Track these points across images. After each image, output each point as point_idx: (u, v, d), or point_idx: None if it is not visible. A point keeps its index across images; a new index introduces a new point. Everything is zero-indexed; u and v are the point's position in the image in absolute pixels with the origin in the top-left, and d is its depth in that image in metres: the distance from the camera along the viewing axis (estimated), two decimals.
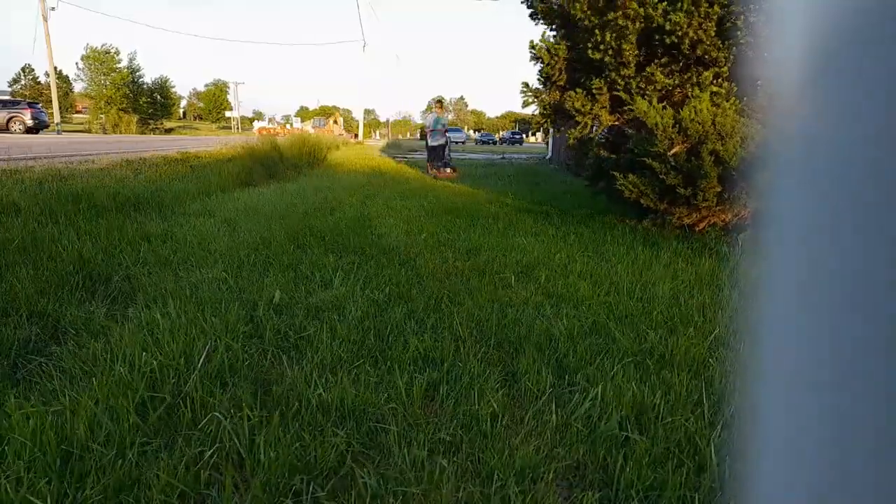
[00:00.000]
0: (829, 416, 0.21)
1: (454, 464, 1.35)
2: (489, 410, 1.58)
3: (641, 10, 4.63)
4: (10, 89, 54.93)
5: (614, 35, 4.86)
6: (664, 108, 4.59)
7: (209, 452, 1.33)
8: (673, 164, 4.45)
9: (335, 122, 47.77)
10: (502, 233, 4.93)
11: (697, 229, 4.80)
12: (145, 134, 36.58)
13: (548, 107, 5.94)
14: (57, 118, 27.46)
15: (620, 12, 4.72)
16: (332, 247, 3.49)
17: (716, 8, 4.56)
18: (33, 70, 59.80)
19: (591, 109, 5.30)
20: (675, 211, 4.72)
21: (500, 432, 1.50)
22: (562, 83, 5.75)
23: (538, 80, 6.13)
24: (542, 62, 5.79)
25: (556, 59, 5.62)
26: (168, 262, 2.95)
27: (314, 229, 3.91)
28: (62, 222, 3.47)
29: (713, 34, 4.69)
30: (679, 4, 4.54)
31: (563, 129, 6.57)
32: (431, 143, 10.73)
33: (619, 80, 5.09)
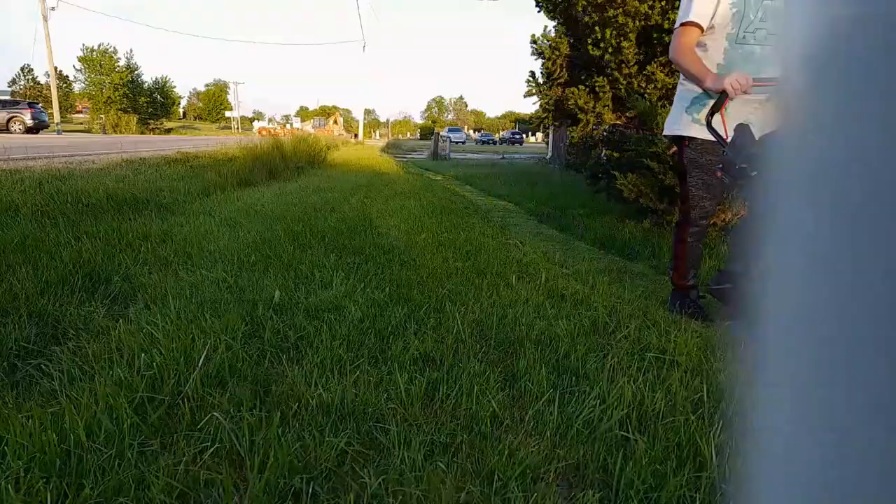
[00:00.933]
0: (830, 416, 0.21)
1: (454, 464, 1.35)
2: (489, 410, 1.58)
3: (643, 6, 4.64)
4: (9, 90, 54.94)
5: (615, 32, 4.86)
6: (663, 106, 4.59)
7: (209, 452, 1.33)
8: (671, 163, 4.45)
9: (335, 122, 47.80)
10: (502, 233, 4.93)
11: None
12: (145, 134, 36.58)
13: (550, 103, 5.94)
14: (57, 118, 27.47)
15: (621, 9, 4.72)
16: (332, 247, 3.49)
17: None
18: (32, 70, 59.83)
19: (594, 107, 5.30)
20: (675, 210, 4.72)
21: (501, 432, 1.50)
22: (563, 80, 5.75)
23: (540, 75, 6.14)
24: (544, 57, 5.79)
25: (557, 54, 5.62)
26: (168, 262, 2.95)
27: (314, 229, 3.91)
28: (62, 222, 3.46)
29: None
30: (677, 3, 4.54)
31: (563, 126, 6.57)
32: None
33: (621, 79, 5.09)
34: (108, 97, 40.33)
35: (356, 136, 40.86)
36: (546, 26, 6.03)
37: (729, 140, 2.06)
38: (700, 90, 2.32)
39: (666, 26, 4.69)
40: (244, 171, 7.55)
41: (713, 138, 2.20)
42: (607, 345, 2.13)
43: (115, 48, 42.26)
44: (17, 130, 22.46)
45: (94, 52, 41.23)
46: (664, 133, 2.66)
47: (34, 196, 3.90)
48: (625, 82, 5.07)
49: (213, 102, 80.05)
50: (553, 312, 2.47)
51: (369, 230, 4.10)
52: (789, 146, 0.22)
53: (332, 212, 4.85)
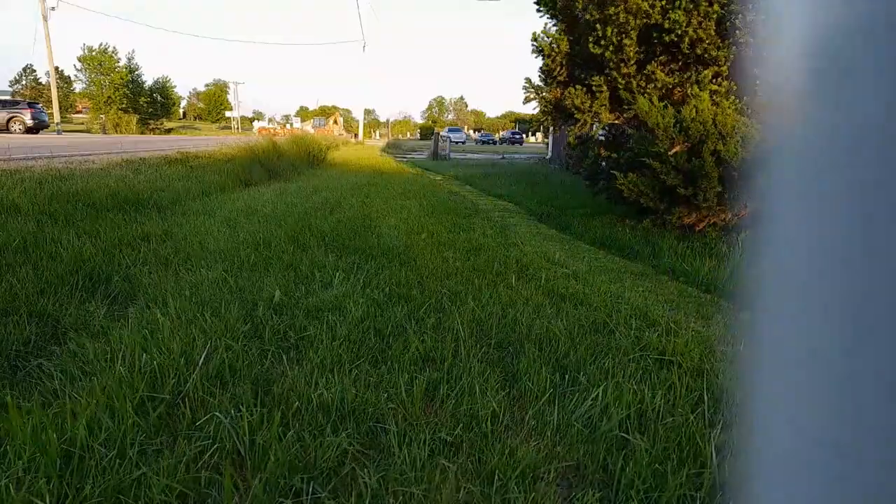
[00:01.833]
0: (830, 415, 0.21)
1: (455, 464, 1.35)
2: (489, 410, 1.58)
3: (644, 4, 4.63)
4: (10, 89, 54.95)
5: (615, 30, 4.86)
6: (665, 107, 4.59)
7: (209, 452, 1.33)
8: (673, 163, 4.45)
9: (335, 122, 47.82)
10: (502, 233, 4.93)
11: (697, 229, 4.81)
12: (145, 134, 36.60)
13: (548, 104, 5.94)
14: (57, 118, 27.47)
15: (622, 7, 4.71)
16: (332, 246, 3.49)
17: (715, 7, 4.56)
18: (34, 70, 59.86)
19: (591, 107, 5.30)
20: (674, 211, 4.72)
21: (501, 432, 1.50)
22: (562, 79, 5.75)
23: (539, 76, 6.14)
24: (544, 55, 5.79)
25: (556, 51, 5.62)
26: (168, 262, 2.95)
27: (314, 229, 3.91)
28: (62, 222, 3.47)
29: (713, 32, 4.69)
30: (678, 2, 4.54)
31: (563, 127, 6.57)
32: None
33: (620, 79, 5.09)
34: (109, 97, 40.34)
35: (356, 136, 40.88)
36: (546, 23, 6.03)
37: None
38: None
39: (666, 26, 4.69)
40: (244, 171, 7.55)
41: None
42: (607, 345, 2.13)
43: (115, 48, 42.31)
44: (17, 130, 22.47)
45: (95, 52, 41.24)
46: None
47: (34, 196, 3.90)
48: (623, 81, 5.07)
49: (213, 102, 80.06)
50: (553, 312, 2.47)
51: (369, 230, 4.10)
52: (789, 146, 0.22)
53: (332, 212, 4.85)
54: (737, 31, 4.51)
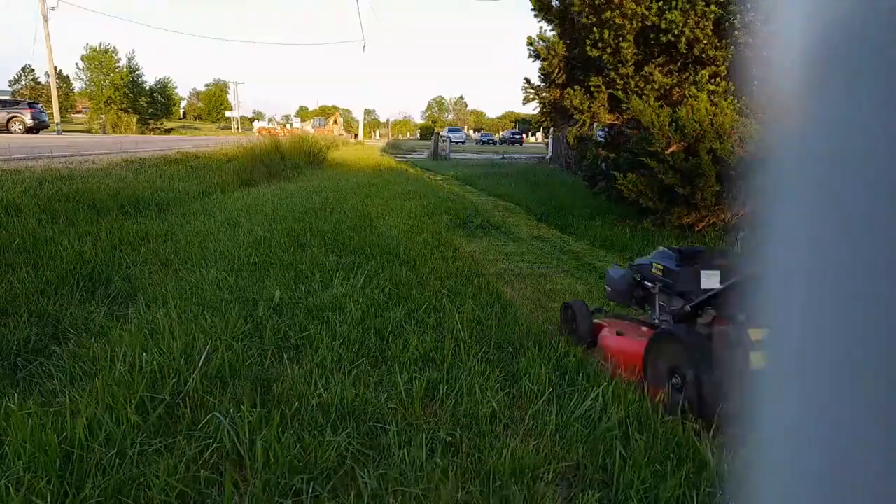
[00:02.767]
0: (829, 415, 0.21)
1: (454, 464, 1.35)
2: (489, 410, 1.58)
3: (639, 8, 4.63)
4: (10, 89, 54.92)
5: (612, 33, 4.86)
6: (661, 106, 4.59)
7: (209, 452, 1.33)
8: (671, 163, 4.45)
9: (335, 122, 47.79)
10: (503, 233, 4.93)
11: (696, 229, 4.81)
12: (145, 134, 36.58)
13: (548, 105, 5.94)
14: (57, 118, 27.45)
15: (618, 11, 4.72)
16: (332, 246, 3.49)
17: (712, 7, 4.56)
18: (33, 70, 59.82)
19: (590, 107, 5.30)
20: (674, 210, 4.72)
21: (500, 432, 1.50)
22: (561, 81, 5.76)
23: (539, 76, 6.14)
24: (541, 59, 5.79)
25: (554, 55, 5.62)
26: (168, 262, 2.96)
27: (314, 229, 3.91)
28: (62, 222, 3.47)
29: (710, 33, 4.69)
30: (674, 3, 4.54)
31: (562, 127, 6.57)
32: None
33: (618, 80, 5.09)
34: (109, 97, 40.29)
35: (356, 136, 40.85)
36: (542, 27, 6.03)
37: None
38: None
39: (663, 26, 4.69)
40: (244, 171, 7.55)
41: None
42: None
43: (115, 48, 42.25)
44: (17, 130, 22.44)
45: (96, 52, 41.19)
46: None
47: (35, 196, 3.90)
48: (622, 83, 5.07)
49: (214, 102, 79.97)
50: (553, 312, 2.47)
51: (369, 230, 4.10)
52: (787, 146, 0.22)
53: (332, 212, 4.85)
54: (735, 32, 4.51)
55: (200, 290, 2.47)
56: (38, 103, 25.95)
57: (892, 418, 0.19)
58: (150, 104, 43.59)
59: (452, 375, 1.79)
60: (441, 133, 22.63)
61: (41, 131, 23.54)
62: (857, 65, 0.19)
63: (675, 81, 5.00)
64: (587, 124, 5.56)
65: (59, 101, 28.62)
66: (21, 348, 1.87)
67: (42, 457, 1.25)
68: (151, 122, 42.87)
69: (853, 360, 0.20)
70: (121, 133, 34.07)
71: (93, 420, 1.39)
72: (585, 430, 1.52)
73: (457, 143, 37.87)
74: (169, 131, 43.59)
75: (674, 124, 4.46)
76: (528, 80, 6.21)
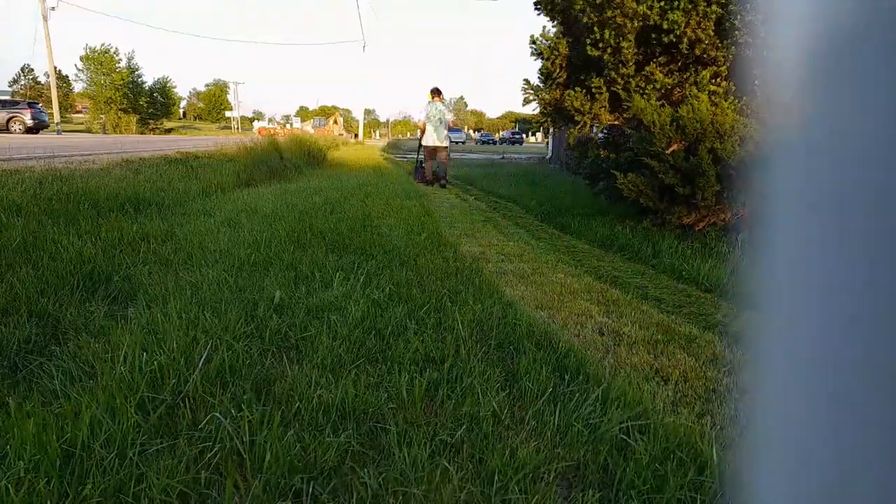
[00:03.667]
0: (831, 415, 0.21)
1: (455, 464, 1.35)
2: (490, 410, 1.58)
3: (640, 7, 4.63)
4: (10, 89, 54.92)
5: (613, 33, 4.86)
6: (662, 106, 4.59)
7: (210, 452, 1.33)
8: (671, 162, 4.45)
9: (335, 122, 47.82)
10: (503, 233, 4.93)
11: (697, 229, 4.81)
12: (145, 134, 36.60)
13: (548, 105, 5.94)
14: (57, 118, 27.47)
15: (619, 10, 4.71)
16: (332, 246, 3.49)
17: (714, 7, 4.56)
18: (33, 70, 59.84)
19: (591, 109, 5.30)
20: (674, 210, 4.72)
21: (501, 432, 1.50)
22: (562, 81, 5.75)
23: (539, 77, 6.13)
24: (543, 58, 5.79)
25: (556, 54, 5.62)
26: (168, 262, 2.96)
27: (315, 229, 3.91)
28: (62, 222, 3.46)
29: (711, 33, 4.69)
30: (676, 3, 4.54)
31: (563, 128, 6.57)
32: (428, 142, 8.94)
33: (619, 79, 5.08)
34: (109, 97, 40.31)
35: (356, 136, 40.88)
36: (545, 26, 6.03)
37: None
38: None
39: (665, 26, 4.69)
40: (244, 171, 7.55)
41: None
42: (607, 344, 2.13)
43: (116, 48, 42.26)
44: (17, 130, 22.45)
45: (96, 52, 41.21)
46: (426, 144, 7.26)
47: (35, 196, 3.90)
48: (622, 83, 5.07)
49: (213, 102, 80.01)
50: (553, 311, 2.47)
51: (370, 230, 4.10)
52: (788, 146, 0.22)
53: (332, 212, 4.85)
54: (736, 32, 4.51)
55: (200, 290, 2.47)
56: (37, 103, 25.96)
57: (893, 418, 0.19)
58: (149, 104, 43.61)
59: (453, 375, 1.79)
60: None
61: (41, 131, 23.56)
62: (857, 64, 0.19)
63: (675, 81, 5.00)
64: (588, 126, 5.56)
65: (59, 102, 28.63)
66: (21, 348, 1.87)
67: (42, 457, 1.25)
68: (151, 122, 42.91)
69: (854, 360, 0.20)
70: (121, 133, 34.09)
71: (93, 420, 1.38)
72: (586, 430, 1.52)
73: (457, 143, 37.88)
74: (169, 131, 43.62)
75: (675, 124, 4.46)
76: (527, 81, 6.21)
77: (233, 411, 1.49)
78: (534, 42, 5.90)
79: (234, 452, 1.35)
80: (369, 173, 9.64)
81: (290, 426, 1.45)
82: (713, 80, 4.77)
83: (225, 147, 9.68)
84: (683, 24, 4.57)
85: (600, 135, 5.94)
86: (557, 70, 5.75)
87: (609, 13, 4.81)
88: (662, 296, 3.17)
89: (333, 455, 1.35)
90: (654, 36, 4.85)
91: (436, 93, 9.14)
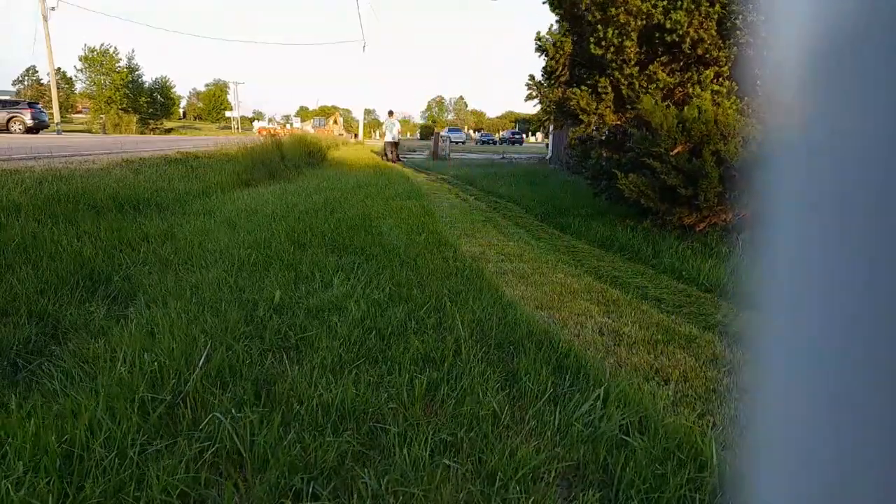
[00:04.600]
0: (831, 415, 0.21)
1: (455, 464, 1.35)
2: (490, 410, 1.58)
3: (644, 5, 4.63)
4: (13, 89, 54.99)
5: (616, 31, 4.86)
6: (667, 106, 4.59)
7: (210, 452, 1.33)
8: (674, 163, 4.45)
9: (335, 122, 47.84)
10: (503, 233, 4.93)
11: (698, 229, 4.80)
12: (145, 134, 36.62)
13: (551, 104, 5.94)
14: (57, 118, 27.47)
15: (622, 8, 4.72)
16: (332, 246, 3.49)
17: (716, 7, 4.56)
18: (37, 71, 59.90)
19: (597, 109, 5.30)
20: (675, 211, 4.72)
21: (501, 432, 1.50)
22: (564, 79, 5.75)
23: (542, 75, 6.14)
24: (547, 55, 5.79)
25: (560, 52, 5.62)
26: (168, 262, 2.96)
27: (315, 229, 3.91)
28: (62, 222, 3.46)
29: (714, 33, 4.69)
30: (679, 3, 4.54)
31: (564, 127, 6.57)
32: (387, 139, 16.38)
33: (622, 79, 5.08)
34: (109, 97, 40.31)
35: (356, 136, 40.89)
36: (551, 24, 6.05)
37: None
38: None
39: (668, 26, 4.69)
40: (244, 171, 7.55)
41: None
42: (606, 344, 2.13)
43: (116, 48, 42.26)
44: (17, 130, 22.45)
45: (96, 52, 41.22)
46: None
47: (35, 196, 3.90)
48: (626, 82, 5.07)
49: (213, 102, 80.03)
50: (553, 311, 2.47)
51: (370, 230, 4.10)
52: (790, 146, 0.22)
53: (332, 212, 4.85)
54: (738, 32, 4.51)
55: (200, 291, 2.47)
56: (38, 103, 25.97)
57: (893, 418, 0.19)
58: (149, 104, 43.62)
59: (453, 375, 1.79)
60: (441, 133, 22.62)
61: (41, 131, 23.56)
62: (858, 65, 0.19)
63: (678, 81, 5.00)
64: (593, 125, 5.56)
65: (60, 102, 28.64)
66: (21, 348, 1.87)
67: (42, 457, 1.24)
68: (151, 122, 42.91)
69: (854, 360, 0.20)
70: (121, 133, 34.10)
71: (93, 420, 1.38)
72: (586, 430, 1.52)
73: (457, 143, 37.91)
74: (169, 131, 43.64)
75: (681, 125, 4.46)
76: (532, 77, 6.20)
77: (233, 411, 1.49)
78: (539, 39, 5.91)
79: (234, 452, 1.35)
80: (369, 173, 9.64)
81: (291, 426, 1.45)
82: (715, 80, 4.77)
83: (225, 147, 9.68)
84: (686, 24, 4.57)
85: (604, 133, 5.94)
86: (561, 68, 5.75)
87: (613, 11, 4.81)
88: (662, 296, 3.17)
89: (334, 455, 1.35)
90: (656, 35, 4.85)
91: (390, 113, 16.46)
